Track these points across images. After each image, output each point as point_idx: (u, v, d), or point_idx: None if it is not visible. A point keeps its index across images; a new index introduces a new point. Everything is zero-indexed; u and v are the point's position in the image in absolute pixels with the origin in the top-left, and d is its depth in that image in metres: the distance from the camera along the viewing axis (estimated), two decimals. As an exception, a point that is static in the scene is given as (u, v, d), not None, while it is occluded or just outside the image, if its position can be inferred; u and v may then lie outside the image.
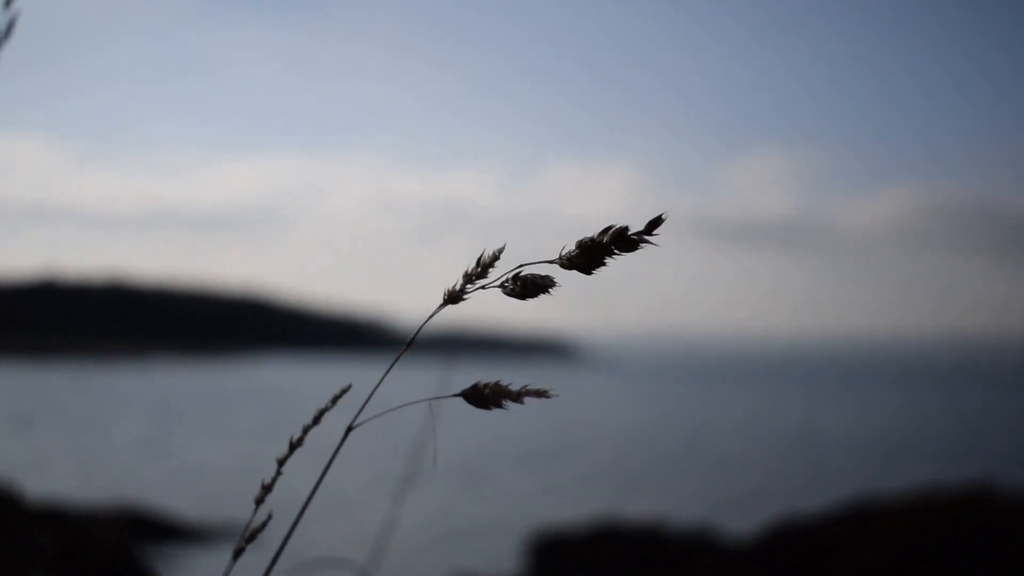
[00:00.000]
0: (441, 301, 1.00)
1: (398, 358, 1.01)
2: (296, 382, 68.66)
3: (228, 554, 1.09)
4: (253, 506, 1.13)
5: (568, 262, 0.97)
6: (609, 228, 0.96)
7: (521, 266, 0.98)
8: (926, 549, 11.35)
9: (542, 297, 0.98)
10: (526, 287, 0.98)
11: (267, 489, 1.12)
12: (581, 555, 15.03)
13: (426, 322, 1.00)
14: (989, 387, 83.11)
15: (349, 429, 1.04)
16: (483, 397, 0.99)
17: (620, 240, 0.95)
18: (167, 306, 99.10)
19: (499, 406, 0.98)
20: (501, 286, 0.98)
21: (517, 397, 0.98)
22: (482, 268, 0.99)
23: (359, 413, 1.05)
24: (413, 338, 1.00)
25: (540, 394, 0.97)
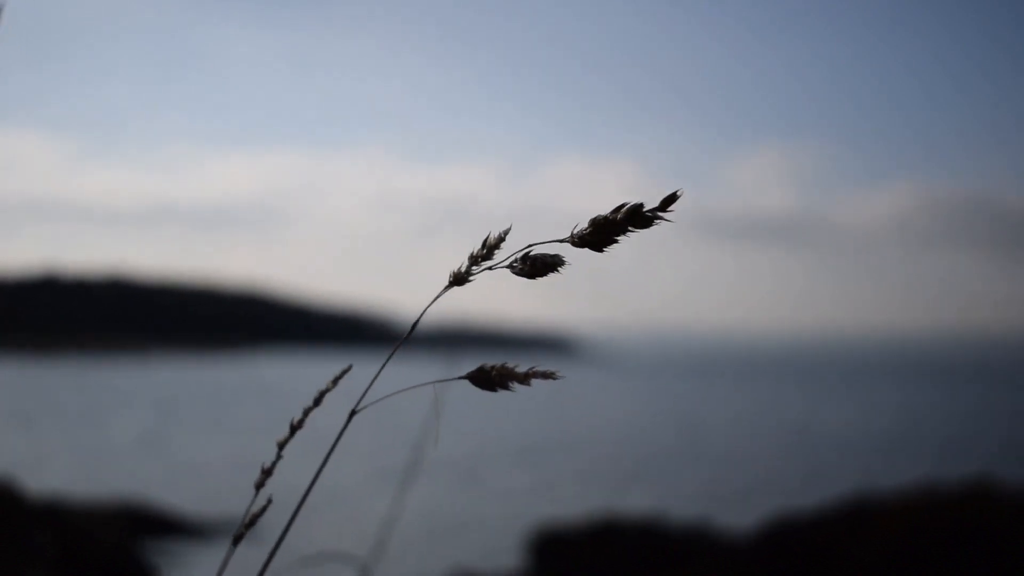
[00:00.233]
0: (446, 283, 0.99)
1: (402, 342, 1.01)
2: (298, 378, 68.62)
3: (228, 549, 1.09)
4: (250, 501, 1.12)
5: (580, 240, 0.96)
6: (623, 205, 0.95)
7: (531, 246, 0.98)
8: (925, 545, 11.35)
9: (550, 277, 0.97)
10: (535, 266, 0.97)
11: (267, 473, 1.11)
12: (580, 551, 15.03)
13: (431, 304, 0.99)
14: (988, 383, 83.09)
15: (353, 413, 1.04)
16: (489, 379, 0.98)
17: (634, 217, 0.94)
18: (168, 302, 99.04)
19: (505, 388, 0.98)
20: (510, 266, 0.98)
21: (524, 379, 0.97)
22: (488, 250, 0.99)
23: (362, 398, 1.04)
24: (417, 321, 1.00)
25: (547, 375, 0.96)
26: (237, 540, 1.10)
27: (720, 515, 19.29)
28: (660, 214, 0.94)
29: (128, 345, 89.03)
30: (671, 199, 0.93)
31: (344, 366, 1.11)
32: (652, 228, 0.95)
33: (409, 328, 1.02)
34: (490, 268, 0.99)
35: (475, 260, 0.99)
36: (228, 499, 21.32)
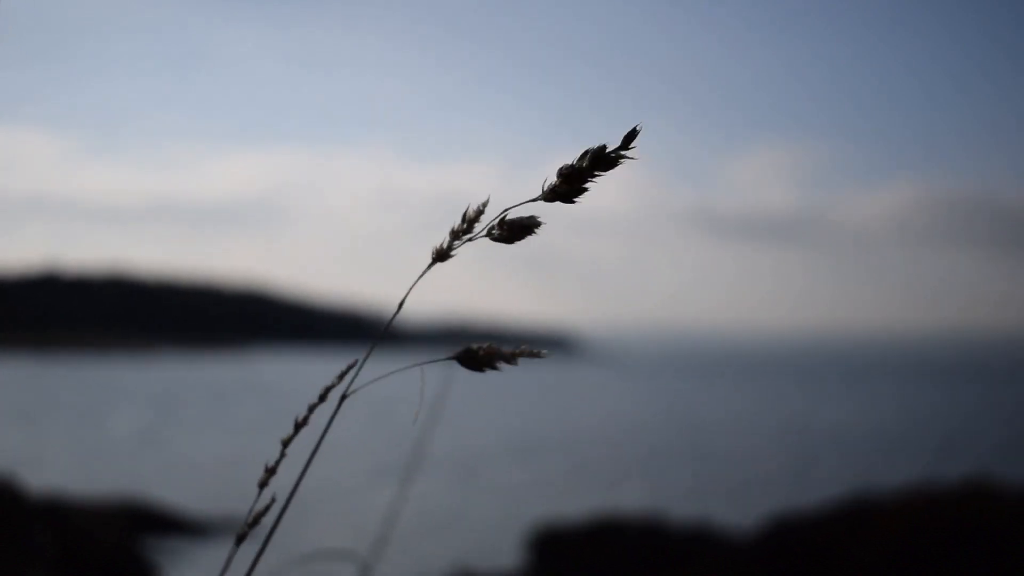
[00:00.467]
0: (429, 261, 0.99)
1: (391, 320, 1.01)
2: (297, 375, 68.66)
3: (229, 547, 1.08)
4: (254, 500, 1.11)
5: (551, 193, 0.96)
6: (587, 152, 0.95)
7: (506, 210, 0.98)
8: (924, 544, 11.35)
9: (528, 239, 0.97)
10: (512, 230, 0.97)
11: (271, 472, 1.10)
12: (580, 550, 15.04)
13: (417, 281, 0.99)
14: (988, 383, 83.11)
15: (343, 397, 1.04)
16: (477, 358, 0.98)
17: (598, 160, 0.94)
18: (168, 299, 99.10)
19: (493, 367, 0.98)
20: (488, 234, 0.98)
21: (511, 358, 0.97)
22: (468, 223, 0.99)
23: (351, 382, 1.04)
24: (404, 300, 0.99)
25: (534, 355, 0.96)
26: (240, 539, 1.09)
27: (720, 514, 19.30)
28: (623, 153, 0.94)
29: (128, 343, 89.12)
30: (632, 135, 0.94)
31: (347, 363, 1.10)
32: (618, 168, 0.95)
33: (396, 308, 1.01)
34: (470, 239, 0.99)
35: (456, 235, 0.99)
36: (228, 497, 21.33)
